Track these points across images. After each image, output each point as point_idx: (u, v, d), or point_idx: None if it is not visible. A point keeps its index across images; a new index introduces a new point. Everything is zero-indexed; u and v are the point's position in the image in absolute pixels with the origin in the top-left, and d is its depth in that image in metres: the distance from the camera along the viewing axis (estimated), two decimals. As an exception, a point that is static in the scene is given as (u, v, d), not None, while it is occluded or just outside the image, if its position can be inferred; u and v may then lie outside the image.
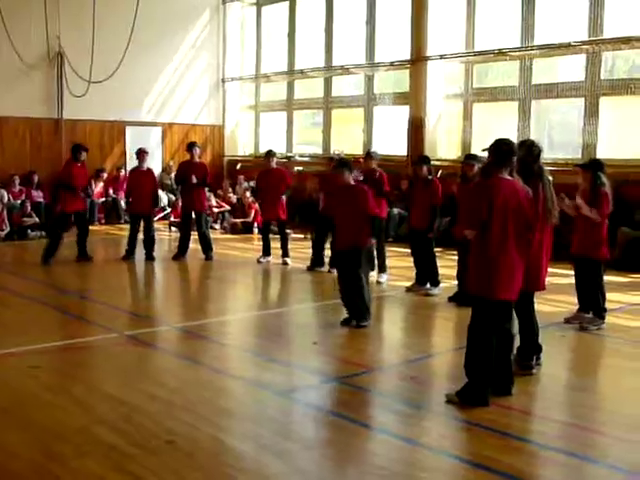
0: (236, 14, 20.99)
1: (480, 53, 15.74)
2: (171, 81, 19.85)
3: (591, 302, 8.43)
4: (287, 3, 19.88)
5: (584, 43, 14.05)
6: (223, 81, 20.99)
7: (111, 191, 18.21)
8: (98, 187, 17.97)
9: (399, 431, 5.33)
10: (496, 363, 5.82)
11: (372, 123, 17.97)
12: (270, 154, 12.84)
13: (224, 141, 21.02)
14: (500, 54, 15.30)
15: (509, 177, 5.76)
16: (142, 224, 12.74)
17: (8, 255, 13.19)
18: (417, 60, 16.19)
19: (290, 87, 20.10)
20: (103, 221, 17.86)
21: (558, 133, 15.61)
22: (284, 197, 12.59)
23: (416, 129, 16.15)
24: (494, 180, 5.71)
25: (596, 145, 14.11)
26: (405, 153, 16.28)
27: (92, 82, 17.55)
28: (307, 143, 20.17)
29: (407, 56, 16.52)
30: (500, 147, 5.79)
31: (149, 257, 12.68)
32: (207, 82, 20.70)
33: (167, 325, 8.37)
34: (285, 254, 12.51)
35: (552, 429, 5.42)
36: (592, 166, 8.43)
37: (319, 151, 18.80)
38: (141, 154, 12.98)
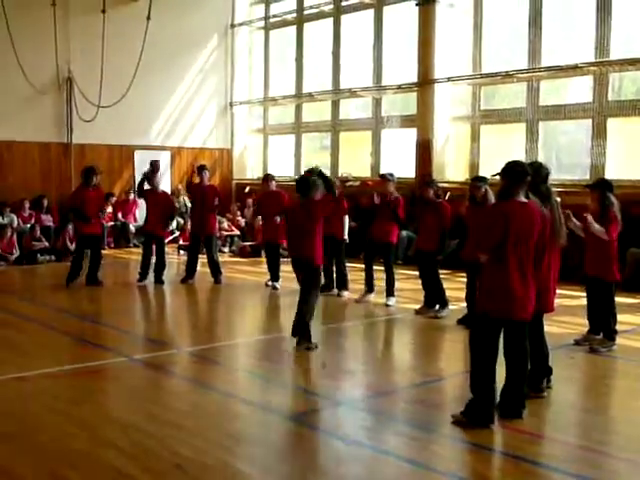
0: (244, 38, 21.14)
1: (487, 75, 15.78)
2: (179, 105, 19.97)
3: (602, 324, 8.38)
4: (295, 27, 20.02)
5: (591, 64, 14.08)
6: (231, 105, 21.10)
7: (120, 215, 18.26)
8: (107, 211, 18.00)
9: (408, 454, 5.28)
10: (510, 384, 5.85)
11: (380, 146, 18.01)
12: (268, 177, 12.92)
13: (232, 164, 21.10)
14: (507, 76, 15.34)
15: (525, 199, 5.79)
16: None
17: (18, 279, 13.22)
18: (424, 83, 16.24)
19: (298, 110, 20.19)
20: (112, 245, 17.89)
21: (566, 154, 15.61)
22: (278, 219, 12.30)
23: (424, 151, 16.17)
24: (510, 203, 5.74)
25: (604, 166, 14.10)
26: (413, 175, 16.30)
27: (101, 107, 17.68)
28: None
29: (414, 79, 16.57)
30: (514, 169, 5.80)
31: (158, 280, 12.68)
32: (215, 106, 20.81)
33: (176, 349, 8.35)
34: (274, 277, 12.42)
35: (563, 452, 5.37)
36: (600, 186, 8.41)
37: (327, 173, 18.80)
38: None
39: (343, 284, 11.65)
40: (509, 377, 5.86)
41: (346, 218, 11.59)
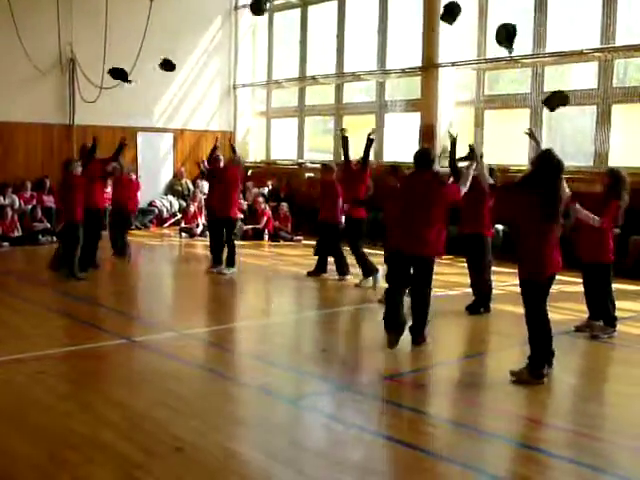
0: (248, 20, 21.02)
1: (492, 60, 15.70)
2: (182, 87, 19.89)
3: (601, 310, 8.37)
4: (299, 10, 19.92)
5: (596, 50, 14.00)
6: (234, 87, 21.03)
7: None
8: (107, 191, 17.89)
9: (408, 438, 5.27)
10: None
11: (383, 130, 17.95)
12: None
13: (236, 147, 21.02)
14: (512, 61, 15.25)
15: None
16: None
17: (18, 260, 13.21)
18: (428, 67, 16.17)
19: (301, 93, 20.11)
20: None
21: (570, 141, 15.54)
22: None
23: (427, 136, 16.11)
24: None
25: (608, 153, 14.05)
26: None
27: (103, 88, 17.60)
28: (318, 150, 20.15)
29: (418, 63, 16.50)
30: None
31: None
32: (218, 88, 20.74)
33: (176, 331, 8.35)
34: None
35: (562, 438, 5.37)
36: (613, 176, 8.34)
37: (330, 158, 18.76)
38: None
39: (343, 268, 11.57)
40: None
41: (340, 201, 11.49)
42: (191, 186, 19.50)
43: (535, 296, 6.78)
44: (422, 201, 7.59)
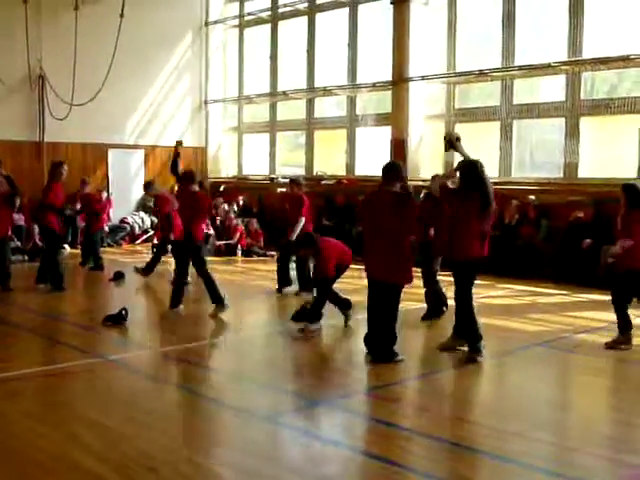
0: (218, 36, 21.06)
1: (461, 74, 15.84)
2: (154, 103, 19.86)
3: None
4: (269, 25, 19.97)
5: (564, 64, 14.18)
6: (206, 103, 21.01)
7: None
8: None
9: (382, 452, 5.25)
10: None
11: (354, 144, 18.02)
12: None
13: (207, 163, 21.00)
14: (481, 75, 15.41)
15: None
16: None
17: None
18: (399, 81, 16.27)
19: (273, 109, 20.14)
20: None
21: (540, 153, 15.70)
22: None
23: (398, 150, 16.19)
24: None
25: (577, 164, 14.20)
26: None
27: (74, 105, 17.51)
28: (290, 164, 20.18)
29: (389, 77, 16.59)
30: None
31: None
32: (190, 104, 20.72)
33: (150, 349, 8.27)
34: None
35: (531, 448, 5.38)
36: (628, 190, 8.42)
37: (302, 172, 18.79)
38: None
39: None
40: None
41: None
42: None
43: (470, 276, 7.72)
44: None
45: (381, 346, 7.58)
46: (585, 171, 14.14)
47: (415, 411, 6.33)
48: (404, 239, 7.49)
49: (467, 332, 7.77)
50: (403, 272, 7.48)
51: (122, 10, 17.19)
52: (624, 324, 8.27)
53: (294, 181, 12.12)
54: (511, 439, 5.53)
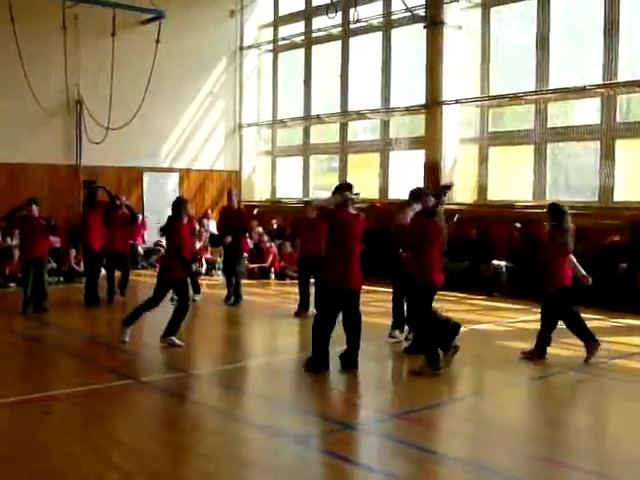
0: (253, 61, 21.27)
1: (495, 97, 15.80)
2: (188, 127, 20.05)
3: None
4: (303, 50, 20.13)
5: (599, 86, 14.09)
6: (240, 127, 21.18)
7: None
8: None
9: (413, 477, 5.21)
10: None
11: (388, 168, 18.03)
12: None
13: (241, 186, 21.12)
14: (515, 98, 15.37)
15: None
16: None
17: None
18: (432, 105, 16.28)
19: (306, 132, 20.25)
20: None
21: (574, 176, 15.58)
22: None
23: (432, 173, 16.17)
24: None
25: (613, 188, 14.07)
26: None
27: (110, 129, 17.77)
28: (324, 188, 20.19)
29: (422, 101, 16.61)
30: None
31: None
32: (224, 128, 20.89)
33: (183, 372, 8.30)
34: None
35: (567, 476, 5.30)
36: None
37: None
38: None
39: None
40: None
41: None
42: (197, 225, 19.52)
43: (427, 299, 8.14)
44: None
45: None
46: (620, 194, 14.00)
47: (447, 435, 6.28)
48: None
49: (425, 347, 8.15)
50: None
51: (158, 36, 17.53)
52: None
53: (308, 203, 12.17)
54: (546, 465, 5.46)
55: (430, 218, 8.17)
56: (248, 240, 17.17)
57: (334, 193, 8.33)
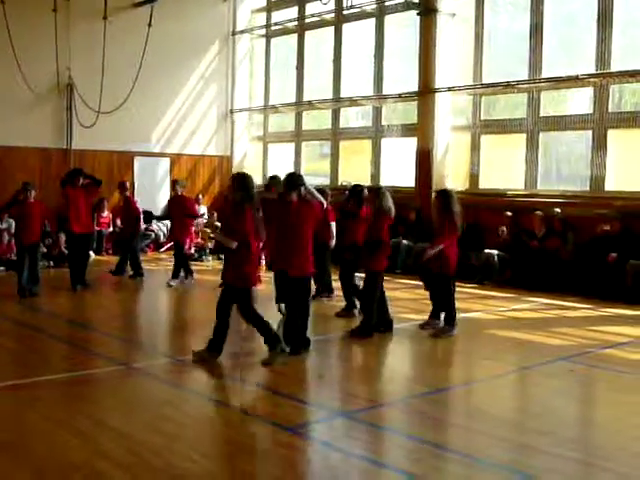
0: (245, 45, 21.16)
1: (488, 85, 15.77)
2: (180, 112, 19.96)
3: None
4: (296, 35, 20.04)
5: (592, 76, 14.08)
6: (232, 112, 21.10)
7: (118, 222, 18.14)
8: (103, 215, 17.98)
9: (407, 468, 5.23)
10: None
11: (380, 154, 18.00)
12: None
13: (232, 172, 21.05)
14: (508, 86, 15.34)
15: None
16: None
17: (14, 284, 13.11)
18: (425, 92, 16.24)
19: (298, 118, 20.18)
20: (110, 251, 17.84)
21: (566, 165, 15.58)
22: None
23: (424, 160, 16.17)
24: None
25: (604, 177, 14.09)
26: (413, 184, 16.30)
27: (101, 113, 17.68)
28: (315, 174, 20.16)
29: (415, 88, 16.58)
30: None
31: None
32: (215, 113, 20.80)
33: (172, 357, 8.29)
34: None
35: (554, 463, 5.32)
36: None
37: (327, 182, 18.80)
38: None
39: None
40: None
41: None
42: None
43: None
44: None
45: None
46: (612, 184, 14.02)
47: (436, 424, 6.29)
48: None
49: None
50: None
51: (150, 20, 17.46)
52: None
53: (319, 191, 12.12)
54: (532, 454, 5.49)
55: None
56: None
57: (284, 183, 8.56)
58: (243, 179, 7.87)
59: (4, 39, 15.93)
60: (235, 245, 7.59)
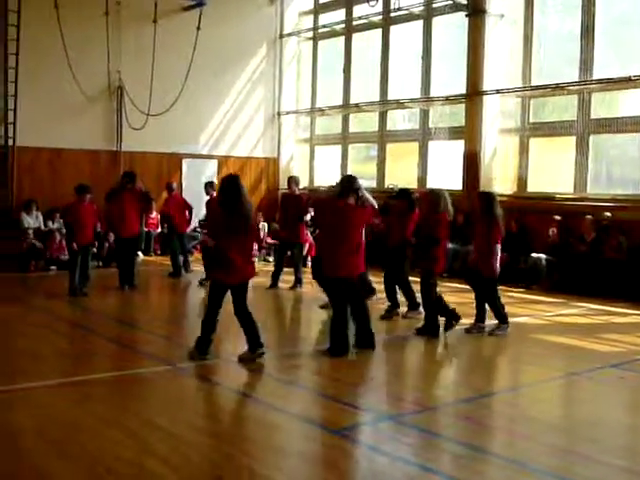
0: (292, 48, 21.24)
1: (537, 87, 15.60)
2: (228, 114, 20.11)
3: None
4: (343, 38, 20.05)
5: (644, 77, 13.83)
6: (279, 114, 21.19)
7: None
8: (152, 216, 18.19)
9: (452, 473, 5.20)
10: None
11: (427, 157, 17.92)
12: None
13: (279, 174, 21.15)
14: (558, 88, 15.14)
15: None
16: None
17: (65, 283, 13.33)
18: (473, 94, 16.13)
19: (345, 121, 20.19)
20: (159, 252, 18.04)
21: (617, 168, 15.35)
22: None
23: (471, 163, 16.05)
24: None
25: (656, 180, 13.84)
26: (460, 187, 16.19)
27: (150, 115, 17.90)
28: (361, 176, 19.98)
29: (463, 90, 16.47)
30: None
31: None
32: (263, 115, 20.91)
33: (220, 358, 8.34)
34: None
35: (600, 471, 5.24)
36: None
37: (373, 184, 18.76)
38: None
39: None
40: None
41: None
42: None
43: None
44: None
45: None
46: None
47: (482, 429, 6.24)
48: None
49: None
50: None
51: (199, 23, 17.68)
52: None
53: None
54: (579, 461, 5.41)
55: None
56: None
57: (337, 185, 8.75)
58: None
59: (58, 43, 16.23)
60: (213, 244, 7.99)
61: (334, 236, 8.30)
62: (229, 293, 7.94)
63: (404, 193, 10.67)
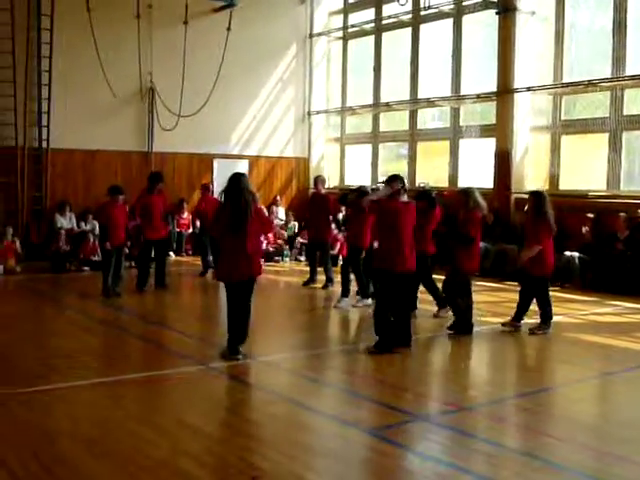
0: (322, 48, 21.25)
1: (569, 85, 15.46)
2: (258, 114, 20.16)
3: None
4: (373, 37, 20.02)
5: (678, 73, 13.65)
6: (309, 114, 21.20)
7: (198, 223, 18.44)
8: (184, 216, 18.34)
9: (485, 472, 5.18)
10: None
11: (458, 156, 17.84)
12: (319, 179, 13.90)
13: (310, 173, 21.17)
14: (590, 85, 14.99)
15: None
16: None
17: (98, 284, 13.49)
18: (504, 92, 16.02)
19: (375, 120, 20.16)
20: (190, 252, 18.15)
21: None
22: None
23: (502, 162, 15.95)
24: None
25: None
26: (491, 186, 16.09)
27: (181, 116, 18.01)
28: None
29: (493, 88, 16.37)
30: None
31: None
32: (293, 115, 20.95)
33: (252, 358, 8.37)
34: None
35: (637, 473, 5.20)
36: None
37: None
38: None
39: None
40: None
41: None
42: (265, 212, 19.65)
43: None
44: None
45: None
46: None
47: (516, 429, 6.21)
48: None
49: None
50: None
51: (229, 24, 17.76)
52: None
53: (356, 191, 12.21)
54: (614, 462, 5.37)
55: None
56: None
57: (385, 185, 8.70)
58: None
59: (90, 46, 16.39)
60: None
61: (393, 233, 8.40)
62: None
63: (423, 194, 10.64)
